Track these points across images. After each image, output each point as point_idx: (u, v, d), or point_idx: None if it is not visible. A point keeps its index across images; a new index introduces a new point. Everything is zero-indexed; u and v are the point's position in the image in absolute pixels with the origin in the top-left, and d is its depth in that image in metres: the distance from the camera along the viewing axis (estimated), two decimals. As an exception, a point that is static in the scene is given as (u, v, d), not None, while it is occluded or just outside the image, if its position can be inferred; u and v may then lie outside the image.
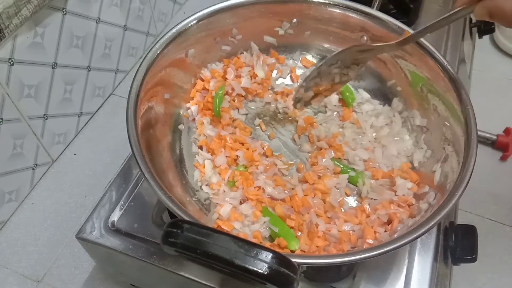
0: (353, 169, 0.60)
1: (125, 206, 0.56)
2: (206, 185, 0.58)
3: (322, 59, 0.71)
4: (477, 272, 0.70)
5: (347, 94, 0.67)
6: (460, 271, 0.68)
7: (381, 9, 0.64)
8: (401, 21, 0.61)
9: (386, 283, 0.51)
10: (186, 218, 0.44)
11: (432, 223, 0.44)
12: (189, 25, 0.60)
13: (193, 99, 0.65)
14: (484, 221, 0.76)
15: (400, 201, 0.55)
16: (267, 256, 0.37)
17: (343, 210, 0.56)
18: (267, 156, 0.62)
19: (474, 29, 0.90)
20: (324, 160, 0.60)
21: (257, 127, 0.66)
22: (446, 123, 0.56)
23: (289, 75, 0.71)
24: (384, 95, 0.67)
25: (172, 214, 0.54)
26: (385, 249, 0.42)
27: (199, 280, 0.50)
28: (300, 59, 0.71)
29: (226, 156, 0.60)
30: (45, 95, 0.72)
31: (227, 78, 0.66)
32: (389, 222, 0.53)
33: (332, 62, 0.57)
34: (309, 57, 0.72)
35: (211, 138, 0.62)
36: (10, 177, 0.70)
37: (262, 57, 0.69)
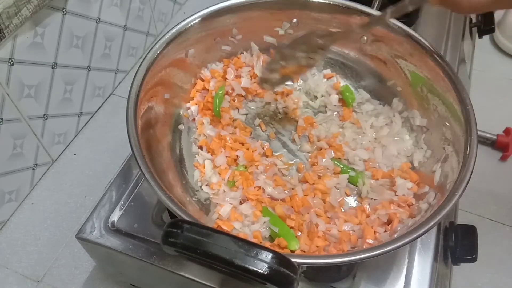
0: (353, 169, 0.60)
1: (125, 206, 0.56)
2: (206, 185, 0.58)
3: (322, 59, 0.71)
4: (477, 272, 0.70)
5: (347, 94, 0.67)
6: (460, 271, 0.68)
7: (381, 9, 0.64)
8: (401, 21, 0.61)
9: (386, 283, 0.51)
10: (186, 218, 0.44)
11: (432, 223, 0.44)
12: (189, 25, 0.60)
13: (193, 99, 0.65)
14: (484, 221, 0.76)
15: (400, 201, 0.55)
16: (267, 256, 0.37)
17: (343, 210, 0.56)
18: (267, 156, 0.62)
19: (474, 29, 0.90)
20: (324, 160, 0.60)
21: (257, 127, 0.66)
22: (446, 123, 0.57)
23: (289, 75, 0.71)
24: (384, 95, 0.67)
25: (172, 214, 0.54)
26: (385, 249, 0.42)
27: (199, 280, 0.50)
28: (300, 59, 0.71)
29: (226, 156, 0.60)
30: (45, 95, 0.72)
31: (227, 78, 0.66)
32: (389, 222, 0.53)
33: (294, 47, 0.58)
34: (309, 57, 0.71)
35: (211, 138, 0.62)
36: (10, 177, 0.70)
37: (262, 57, 0.69)
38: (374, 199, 0.57)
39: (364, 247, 0.50)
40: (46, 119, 0.74)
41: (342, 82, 0.70)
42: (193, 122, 0.64)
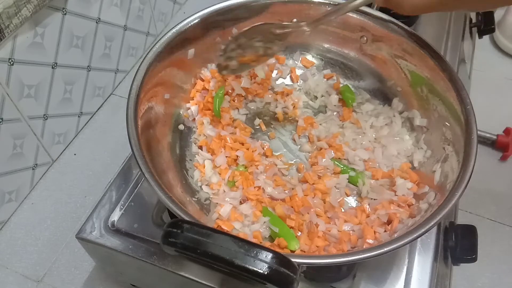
0: (353, 169, 0.60)
1: (125, 206, 0.56)
2: (206, 185, 0.58)
3: (322, 59, 0.71)
4: (477, 272, 0.70)
5: (347, 94, 0.67)
6: (460, 271, 0.68)
7: (381, 9, 0.64)
8: (401, 21, 0.61)
9: (386, 283, 0.51)
10: (186, 218, 0.44)
11: (432, 223, 0.44)
12: (189, 25, 0.60)
13: (193, 99, 0.65)
14: (484, 221, 0.76)
15: (400, 201, 0.55)
16: (267, 256, 0.37)
17: (343, 210, 0.56)
18: (267, 156, 0.62)
19: (474, 29, 0.90)
20: (324, 160, 0.60)
21: (257, 127, 0.66)
22: (446, 123, 0.57)
23: (289, 75, 0.71)
24: (384, 95, 0.67)
25: (172, 214, 0.54)
26: (385, 249, 0.42)
27: (199, 280, 0.50)
28: (300, 59, 0.72)
29: (226, 156, 0.60)
30: (45, 95, 0.72)
31: (227, 79, 0.66)
32: (389, 222, 0.53)
33: (252, 37, 0.58)
34: (309, 57, 0.72)
35: (211, 138, 0.62)
36: (10, 177, 0.70)
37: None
38: (374, 199, 0.57)
39: (364, 247, 0.50)
40: (46, 119, 0.74)
41: (342, 82, 0.70)
42: (193, 122, 0.64)
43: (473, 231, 0.55)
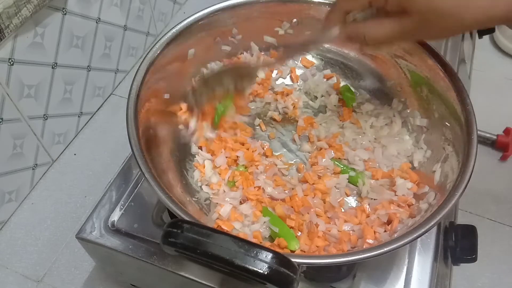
0: (353, 169, 0.60)
1: (125, 206, 0.56)
2: (206, 185, 0.58)
3: (322, 59, 0.71)
4: (477, 272, 0.70)
5: (347, 94, 0.67)
6: (460, 271, 0.68)
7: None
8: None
9: (386, 283, 0.51)
10: (186, 218, 0.44)
11: (432, 223, 0.44)
12: (189, 25, 0.60)
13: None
14: (484, 221, 0.76)
15: (400, 201, 0.55)
16: (267, 256, 0.37)
17: (343, 210, 0.56)
18: (267, 156, 0.62)
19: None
20: (324, 160, 0.60)
21: (257, 127, 0.66)
22: (446, 123, 0.56)
23: (289, 75, 0.71)
24: (384, 95, 0.67)
25: (172, 214, 0.54)
26: (385, 249, 0.42)
27: (199, 280, 0.50)
28: (300, 59, 0.72)
29: (226, 157, 0.60)
30: (45, 95, 0.72)
31: None
32: (389, 222, 0.53)
33: (217, 79, 0.59)
34: (309, 57, 0.72)
35: (212, 140, 0.62)
36: (10, 177, 0.70)
37: (262, 57, 0.69)
38: (374, 199, 0.57)
39: (364, 247, 0.50)
40: (46, 119, 0.74)
41: (342, 82, 0.70)
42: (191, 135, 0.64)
43: (473, 231, 0.55)
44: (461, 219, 0.71)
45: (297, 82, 0.71)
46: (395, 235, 0.49)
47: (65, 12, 0.71)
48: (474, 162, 0.48)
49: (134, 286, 0.63)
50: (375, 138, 0.63)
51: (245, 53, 0.69)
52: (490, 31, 0.88)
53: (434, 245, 0.53)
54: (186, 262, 0.51)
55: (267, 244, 0.53)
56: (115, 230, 0.54)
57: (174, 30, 0.59)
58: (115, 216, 0.55)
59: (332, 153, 0.61)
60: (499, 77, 1.02)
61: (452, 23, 0.42)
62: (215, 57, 0.67)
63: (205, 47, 0.64)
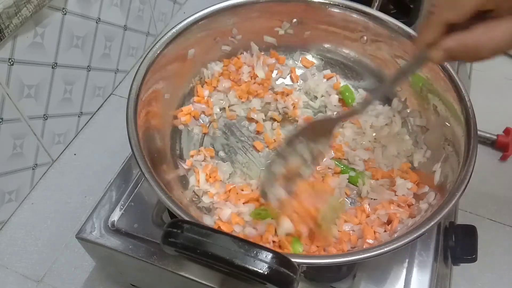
0: (353, 169, 0.60)
1: (125, 206, 0.56)
2: (205, 193, 0.58)
3: (322, 59, 0.71)
4: (477, 272, 0.69)
5: (347, 94, 0.67)
6: (460, 271, 0.68)
7: (381, 9, 0.64)
8: (401, 21, 0.61)
9: (386, 283, 0.51)
10: (186, 218, 0.44)
11: (432, 223, 0.44)
12: (189, 25, 0.60)
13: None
14: (484, 221, 0.76)
15: (400, 201, 0.55)
16: (267, 256, 0.37)
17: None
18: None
19: (474, 29, 0.90)
20: (325, 159, 0.60)
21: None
22: (446, 123, 0.57)
23: (289, 75, 0.71)
24: (384, 95, 0.67)
25: (172, 214, 0.53)
26: (385, 249, 0.42)
27: (199, 280, 0.50)
28: (300, 59, 0.72)
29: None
30: (45, 95, 0.72)
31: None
32: (389, 222, 0.53)
33: (291, 145, 0.52)
34: (309, 57, 0.72)
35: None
36: (10, 177, 0.70)
37: (262, 58, 0.69)
38: (374, 199, 0.57)
39: (364, 247, 0.50)
40: (46, 119, 0.74)
41: (342, 82, 0.70)
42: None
43: (473, 231, 0.55)
44: (461, 219, 0.71)
45: (297, 82, 0.71)
46: (395, 235, 0.49)
47: (65, 12, 0.71)
48: (474, 162, 0.48)
49: (134, 286, 0.63)
50: (375, 138, 0.63)
51: (245, 53, 0.69)
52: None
53: (434, 245, 0.53)
54: (186, 262, 0.51)
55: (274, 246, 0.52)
56: (115, 230, 0.54)
57: (174, 30, 0.59)
58: (115, 216, 0.55)
59: (332, 153, 0.61)
60: (499, 77, 1.02)
61: None
62: (215, 57, 0.67)
63: (205, 47, 0.64)
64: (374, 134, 0.64)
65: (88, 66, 0.81)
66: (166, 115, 0.61)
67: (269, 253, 0.37)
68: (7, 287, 0.66)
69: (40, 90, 0.71)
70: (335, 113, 0.67)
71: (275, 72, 0.71)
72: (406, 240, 0.43)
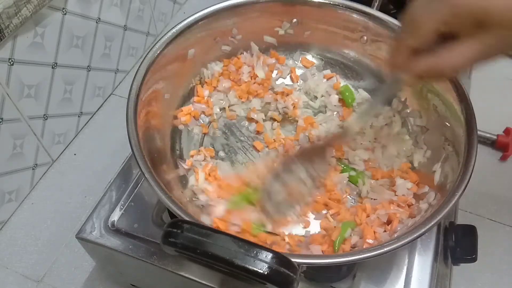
0: (353, 169, 0.60)
1: (125, 206, 0.56)
2: (202, 191, 0.58)
3: (322, 59, 0.71)
4: (477, 272, 0.69)
5: (347, 94, 0.67)
6: (460, 271, 0.68)
7: (381, 9, 0.64)
8: (401, 21, 0.61)
9: (386, 283, 0.51)
10: (186, 218, 0.44)
11: (432, 223, 0.44)
12: (189, 25, 0.60)
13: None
14: (484, 221, 0.76)
15: (400, 201, 0.55)
16: (267, 256, 0.37)
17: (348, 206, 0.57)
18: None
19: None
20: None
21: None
22: (446, 123, 0.57)
23: (289, 75, 0.71)
24: (374, 115, 0.66)
25: (172, 214, 0.53)
26: (385, 249, 0.42)
27: (199, 280, 0.50)
28: (300, 59, 0.72)
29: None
30: (45, 95, 0.72)
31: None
32: (389, 222, 0.53)
33: (291, 169, 0.53)
34: (309, 57, 0.72)
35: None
36: (10, 177, 0.70)
37: (262, 58, 0.69)
38: (374, 199, 0.57)
39: (364, 247, 0.50)
40: (46, 119, 0.74)
41: (342, 82, 0.70)
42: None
43: (473, 231, 0.55)
44: (461, 219, 0.71)
45: (297, 82, 0.71)
46: (395, 235, 0.49)
47: (65, 12, 0.71)
48: (474, 162, 0.48)
49: (134, 286, 0.63)
50: (375, 138, 0.63)
51: (245, 53, 0.69)
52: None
53: (434, 245, 0.53)
54: (186, 262, 0.51)
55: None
56: (115, 230, 0.54)
57: (174, 30, 0.59)
58: (115, 216, 0.55)
59: (333, 152, 0.61)
60: (499, 77, 1.02)
61: None
62: (215, 57, 0.67)
63: (205, 47, 0.64)
64: (374, 134, 0.64)
65: (88, 66, 0.81)
66: (166, 115, 0.61)
67: (269, 253, 0.37)
68: (7, 287, 0.66)
69: (40, 90, 0.71)
70: (335, 113, 0.67)
71: (275, 72, 0.71)
72: (406, 240, 0.43)
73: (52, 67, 0.72)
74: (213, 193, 0.57)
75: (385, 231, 0.52)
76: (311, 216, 0.56)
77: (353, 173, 0.59)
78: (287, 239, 0.53)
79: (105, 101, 0.90)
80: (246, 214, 0.53)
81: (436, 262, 0.52)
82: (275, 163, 0.55)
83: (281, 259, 0.37)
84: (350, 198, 0.58)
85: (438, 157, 0.56)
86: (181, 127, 0.63)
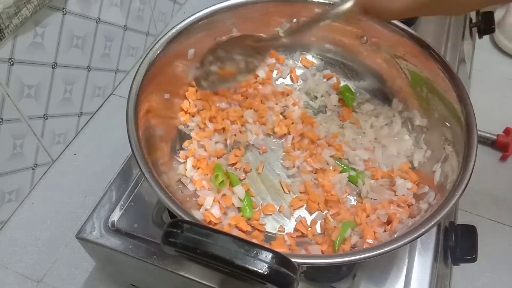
0: (353, 169, 0.60)
1: (125, 206, 0.56)
2: (190, 182, 0.58)
3: (322, 59, 0.71)
4: (477, 272, 0.70)
5: (347, 94, 0.67)
6: (460, 271, 0.68)
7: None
8: (401, 21, 0.61)
9: (386, 283, 0.51)
10: (186, 218, 0.44)
11: (432, 223, 0.44)
12: (189, 25, 0.60)
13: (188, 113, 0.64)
14: (484, 221, 0.76)
15: (400, 201, 0.55)
16: (267, 256, 0.37)
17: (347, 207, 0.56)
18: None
19: (474, 29, 0.90)
20: (325, 152, 0.61)
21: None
22: (446, 123, 0.56)
23: (289, 75, 0.71)
24: (384, 95, 0.67)
25: (172, 214, 0.54)
26: (385, 249, 0.42)
27: (199, 280, 0.50)
28: (300, 59, 0.72)
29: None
30: (45, 95, 0.72)
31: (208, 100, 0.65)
32: (389, 222, 0.53)
33: (230, 49, 0.57)
34: (309, 57, 0.72)
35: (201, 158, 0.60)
36: (10, 177, 0.70)
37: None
38: (374, 199, 0.57)
39: (364, 247, 0.50)
40: (46, 119, 0.74)
41: (342, 82, 0.70)
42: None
43: (473, 231, 0.55)
44: (461, 219, 0.71)
45: (297, 82, 0.71)
46: (395, 235, 0.49)
47: (65, 12, 0.71)
48: (474, 162, 0.48)
49: (134, 286, 0.63)
50: (375, 138, 0.63)
51: (245, 53, 0.69)
52: (490, 31, 0.88)
53: (434, 245, 0.53)
54: (186, 262, 0.51)
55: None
56: (115, 230, 0.54)
57: (174, 30, 0.59)
58: (115, 216, 0.55)
59: (333, 150, 0.61)
60: (499, 77, 1.02)
61: None
62: (193, 70, 0.67)
63: (205, 47, 0.64)
64: (374, 134, 0.64)
65: (88, 66, 0.81)
66: (166, 115, 0.61)
67: (269, 253, 0.37)
68: (7, 287, 0.66)
69: (40, 90, 0.71)
70: (335, 113, 0.67)
71: (275, 72, 0.71)
72: (406, 240, 0.43)
73: (52, 67, 0.72)
74: (199, 181, 0.57)
75: (385, 231, 0.52)
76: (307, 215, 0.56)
77: (353, 173, 0.59)
78: (287, 239, 0.53)
79: (105, 101, 0.90)
80: (232, 192, 0.56)
81: (436, 262, 0.52)
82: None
83: (281, 259, 0.37)
84: (350, 198, 0.58)
85: (438, 157, 0.56)
86: (181, 127, 0.63)
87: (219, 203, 0.55)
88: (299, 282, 0.45)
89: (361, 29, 0.65)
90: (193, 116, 0.64)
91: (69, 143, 0.83)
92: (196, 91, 0.64)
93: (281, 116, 0.66)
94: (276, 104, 0.66)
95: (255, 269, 0.36)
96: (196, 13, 0.61)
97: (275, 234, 0.55)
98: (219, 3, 0.62)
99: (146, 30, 0.96)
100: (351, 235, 0.52)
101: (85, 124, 0.86)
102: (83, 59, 0.79)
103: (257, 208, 0.57)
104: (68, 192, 0.77)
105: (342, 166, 0.60)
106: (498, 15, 1.04)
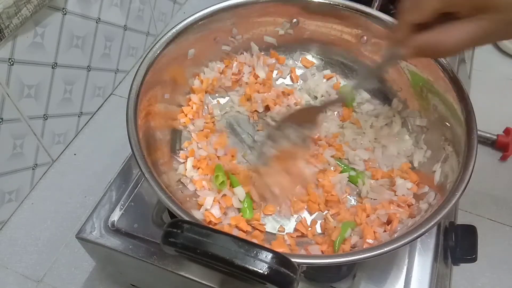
0: (353, 169, 0.60)
1: (125, 206, 0.56)
2: (190, 182, 0.58)
3: (322, 59, 0.71)
4: (477, 272, 0.70)
5: (347, 94, 0.67)
6: (460, 271, 0.68)
7: (381, 9, 0.64)
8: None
9: (386, 283, 0.51)
10: (186, 218, 0.44)
11: (432, 223, 0.44)
12: (189, 25, 0.60)
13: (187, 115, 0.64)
14: (484, 221, 0.76)
15: (400, 201, 0.55)
16: (267, 256, 0.37)
17: (347, 207, 0.56)
18: None
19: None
20: (325, 152, 0.61)
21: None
22: (446, 123, 0.56)
23: (289, 75, 0.71)
24: (384, 95, 0.67)
25: (172, 214, 0.54)
26: (385, 249, 0.42)
27: (199, 280, 0.50)
28: (300, 59, 0.72)
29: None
30: (45, 95, 0.72)
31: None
32: (389, 222, 0.53)
33: (282, 128, 0.57)
34: (309, 57, 0.72)
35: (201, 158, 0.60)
36: (10, 177, 0.70)
37: (262, 58, 0.69)
38: (374, 199, 0.57)
39: (364, 247, 0.50)
40: (46, 119, 0.74)
41: (342, 82, 0.70)
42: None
43: (473, 231, 0.55)
44: (461, 219, 0.71)
45: (297, 82, 0.71)
46: (395, 235, 0.49)
47: (65, 12, 0.71)
48: (474, 162, 0.48)
49: (134, 286, 0.63)
50: (375, 138, 0.63)
51: (245, 53, 0.69)
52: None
53: (434, 245, 0.53)
54: (186, 262, 0.51)
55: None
56: (115, 230, 0.54)
57: (174, 30, 0.59)
58: (115, 216, 0.55)
59: (334, 151, 0.61)
60: (499, 77, 1.02)
61: None
62: (215, 57, 0.67)
63: (205, 47, 0.64)
64: (374, 134, 0.64)
65: (88, 66, 0.81)
66: (166, 115, 0.61)
67: (269, 253, 0.37)
68: (7, 287, 0.66)
69: (40, 90, 0.71)
70: (335, 113, 0.67)
71: (275, 72, 0.71)
72: (406, 240, 0.43)
73: (52, 67, 0.72)
74: (199, 181, 0.57)
75: (385, 231, 0.52)
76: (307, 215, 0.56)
77: (353, 173, 0.59)
78: (287, 239, 0.53)
79: (105, 101, 0.90)
80: (232, 193, 0.56)
81: (436, 262, 0.52)
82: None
83: (281, 259, 0.37)
84: (350, 198, 0.58)
85: (438, 157, 0.56)
86: (180, 127, 0.63)
87: (219, 203, 0.55)
88: (299, 282, 0.45)
89: (361, 29, 0.65)
90: (194, 118, 0.64)
91: (69, 143, 0.83)
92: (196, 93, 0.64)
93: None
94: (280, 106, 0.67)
95: (255, 269, 0.36)
96: (196, 13, 0.61)
97: (275, 234, 0.55)
98: (219, 3, 0.62)
99: (146, 30, 0.96)
100: (351, 235, 0.52)
101: (85, 124, 0.86)
102: (83, 59, 0.79)
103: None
104: (68, 192, 0.77)
105: (342, 166, 0.60)
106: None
